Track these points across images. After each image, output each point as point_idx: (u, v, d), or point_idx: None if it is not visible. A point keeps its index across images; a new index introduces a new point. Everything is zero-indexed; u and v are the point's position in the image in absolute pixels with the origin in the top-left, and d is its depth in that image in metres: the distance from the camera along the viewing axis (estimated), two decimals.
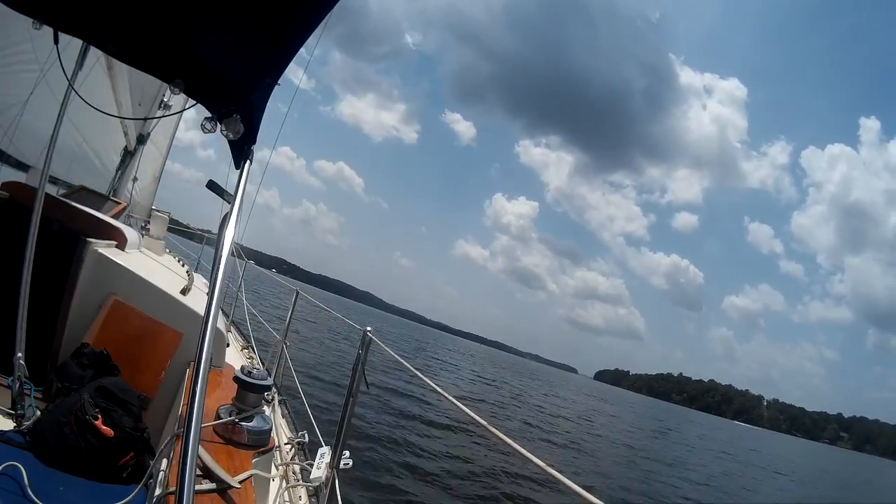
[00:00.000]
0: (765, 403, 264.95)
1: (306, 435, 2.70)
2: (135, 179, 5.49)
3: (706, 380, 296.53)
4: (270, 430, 2.12)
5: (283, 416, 2.89)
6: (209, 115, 1.20)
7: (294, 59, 1.19)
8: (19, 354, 1.97)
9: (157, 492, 1.51)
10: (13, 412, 1.96)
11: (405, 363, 2.18)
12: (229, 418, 1.99)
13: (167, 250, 4.71)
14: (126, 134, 4.55)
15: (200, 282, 3.95)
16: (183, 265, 4.35)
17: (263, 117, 1.28)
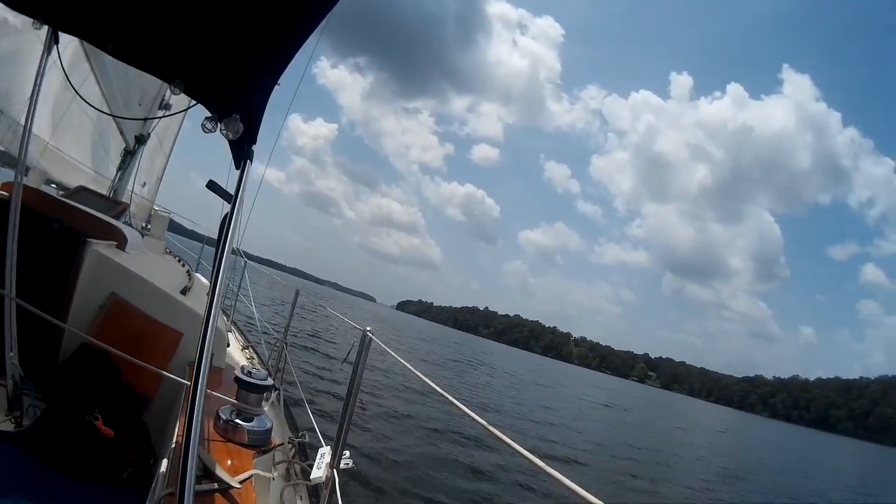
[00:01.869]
0: (573, 340, 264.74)
1: (306, 435, 2.69)
2: (143, 184, 5.50)
3: (511, 314, 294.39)
4: (270, 430, 2.12)
5: (283, 416, 2.88)
6: (209, 115, 1.20)
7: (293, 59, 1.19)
8: (11, 353, 1.96)
9: (158, 492, 1.51)
10: (10, 412, 1.96)
11: (405, 363, 2.17)
12: (229, 418, 1.99)
13: (167, 250, 4.71)
14: (122, 133, 4.54)
15: (200, 282, 3.95)
16: (183, 265, 4.35)
17: (263, 117, 1.29)
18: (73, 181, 4.45)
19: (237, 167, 1.27)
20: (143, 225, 4.81)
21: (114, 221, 3.04)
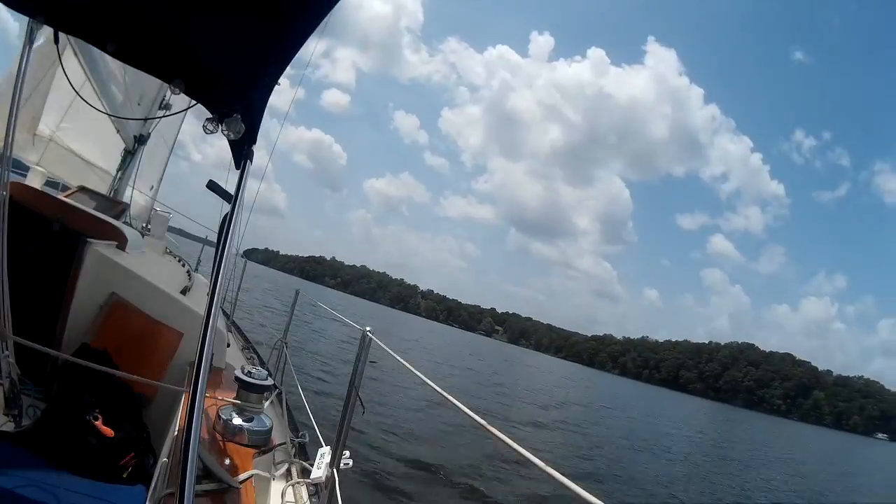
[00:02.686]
0: (420, 293, 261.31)
1: (306, 435, 2.70)
2: (151, 187, 5.49)
3: (358, 265, 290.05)
4: (270, 430, 2.12)
5: (283, 416, 2.88)
6: (210, 114, 1.20)
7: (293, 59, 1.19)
8: (6, 353, 1.95)
9: (158, 492, 1.51)
10: (7, 410, 1.95)
11: (405, 363, 2.18)
12: (229, 418, 1.99)
13: (167, 250, 4.71)
14: (119, 131, 4.53)
15: (200, 282, 3.95)
16: (183, 265, 4.35)
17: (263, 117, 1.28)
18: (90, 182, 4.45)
19: (237, 167, 1.27)
20: (143, 225, 4.81)
21: (114, 221, 3.04)
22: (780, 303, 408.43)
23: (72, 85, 1.84)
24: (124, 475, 1.77)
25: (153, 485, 1.69)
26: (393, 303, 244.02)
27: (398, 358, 2.21)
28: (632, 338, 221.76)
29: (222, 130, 1.19)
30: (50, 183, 4.39)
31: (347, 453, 2.13)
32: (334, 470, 2.04)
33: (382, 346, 2.32)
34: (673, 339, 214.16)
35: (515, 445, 1.34)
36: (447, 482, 7.21)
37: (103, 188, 4.88)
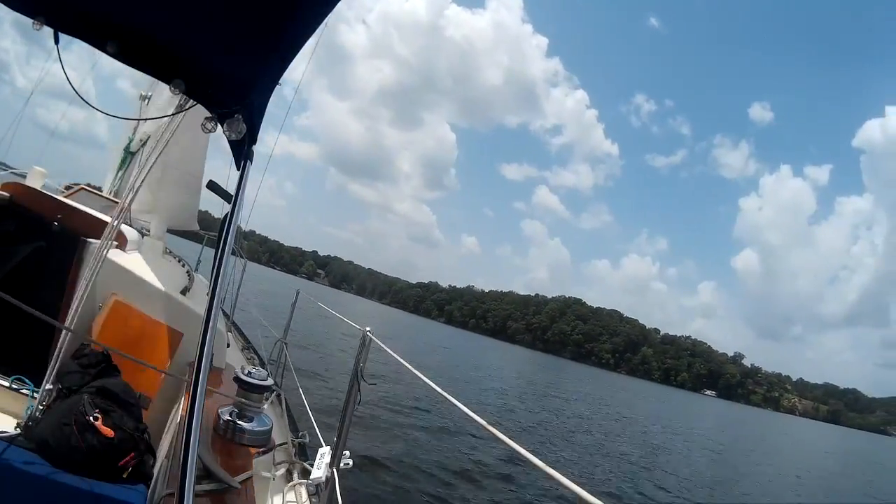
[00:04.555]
0: (242, 233, 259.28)
1: (306, 435, 2.70)
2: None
3: None
4: (270, 430, 2.12)
5: (283, 416, 2.89)
6: (210, 115, 1.20)
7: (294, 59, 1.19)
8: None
9: (158, 492, 1.51)
10: (14, 412, 1.96)
11: (405, 363, 2.18)
12: (230, 418, 1.99)
13: (167, 250, 4.71)
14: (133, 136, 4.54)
15: (200, 282, 3.95)
16: (183, 265, 4.35)
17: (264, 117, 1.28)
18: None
19: (238, 167, 1.27)
20: (143, 225, 4.80)
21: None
22: (601, 258, 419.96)
23: (72, 85, 1.84)
24: (124, 475, 1.76)
25: (153, 485, 1.69)
26: (212, 244, 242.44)
27: (398, 358, 2.21)
28: (458, 286, 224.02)
29: (223, 130, 1.19)
30: (50, 183, 4.38)
31: (347, 453, 2.13)
32: (334, 470, 2.04)
33: (382, 346, 2.32)
34: (499, 290, 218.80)
35: (515, 445, 1.34)
36: (447, 482, 7.21)
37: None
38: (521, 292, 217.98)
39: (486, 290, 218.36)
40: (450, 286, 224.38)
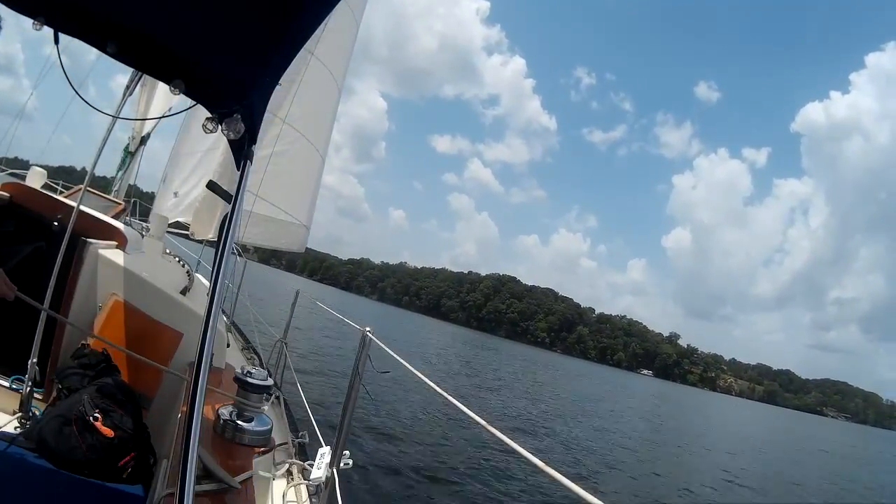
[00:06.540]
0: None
1: (306, 435, 2.70)
2: (175, 194, 5.49)
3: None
4: (270, 430, 2.12)
5: (283, 416, 2.89)
6: (210, 115, 1.19)
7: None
8: (35, 360, 1.96)
9: (158, 492, 1.51)
10: (20, 413, 1.96)
11: (405, 363, 2.18)
12: (229, 418, 1.99)
13: (167, 250, 4.71)
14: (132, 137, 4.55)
15: (200, 282, 3.95)
16: (183, 265, 4.35)
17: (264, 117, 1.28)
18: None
19: (237, 167, 1.26)
20: (143, 225, 4.81)
21: (113, 222, 3.04)
22: (530, 233, 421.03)
23: (72, 85, 1.84)
24: (124, 475, 1.76)
25: (153, 485, 1.69)
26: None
27: (398, 358, 2.21)
28: (390, 263, 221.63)
29: (222, 130, 1.19)
30: (50, 183, 4.39)
31: (347, 453, 2.13)
32: (334, 470, 2.04)
33: (382, 346, 2.32)
34: (428, 266, 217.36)
35: (515, 445, 1.34)
36: (446, 482, 7.21)
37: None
38: (450, 267, 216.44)
39: (419, 267, 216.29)
40: (382, 262, 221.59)
